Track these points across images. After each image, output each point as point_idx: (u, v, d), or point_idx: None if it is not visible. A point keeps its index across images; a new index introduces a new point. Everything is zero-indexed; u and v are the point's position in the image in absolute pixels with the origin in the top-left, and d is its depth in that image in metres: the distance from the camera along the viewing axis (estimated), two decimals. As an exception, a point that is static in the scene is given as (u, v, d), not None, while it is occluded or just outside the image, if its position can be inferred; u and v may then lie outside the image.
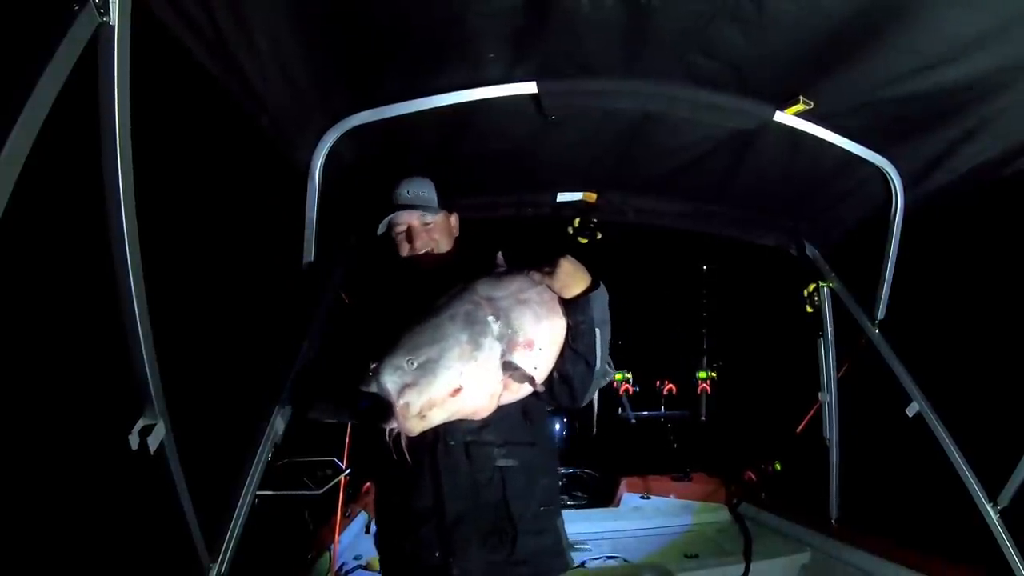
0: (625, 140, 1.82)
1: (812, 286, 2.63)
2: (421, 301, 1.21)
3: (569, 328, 1.25)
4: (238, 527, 1.58)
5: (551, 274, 1.25)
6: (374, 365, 1.07)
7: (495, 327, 1.16)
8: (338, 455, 2.34)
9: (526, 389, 1.21)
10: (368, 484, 3.02)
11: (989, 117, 1.58)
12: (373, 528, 2.87)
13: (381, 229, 1.49)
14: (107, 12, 0.89)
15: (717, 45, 1.35)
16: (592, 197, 2.22)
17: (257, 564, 1.80)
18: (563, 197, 2.21)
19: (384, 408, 1.07)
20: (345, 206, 2.04)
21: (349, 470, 2.37)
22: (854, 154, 1.82)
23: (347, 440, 2.37)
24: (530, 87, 1.52)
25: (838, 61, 1.39)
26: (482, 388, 1.13)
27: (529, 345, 1.19)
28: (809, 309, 2.66)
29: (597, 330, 1.26)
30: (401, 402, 1.05)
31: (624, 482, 3.37)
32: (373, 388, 1.06)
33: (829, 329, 2.65)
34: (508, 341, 1.17)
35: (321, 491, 2.19)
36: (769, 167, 1.95)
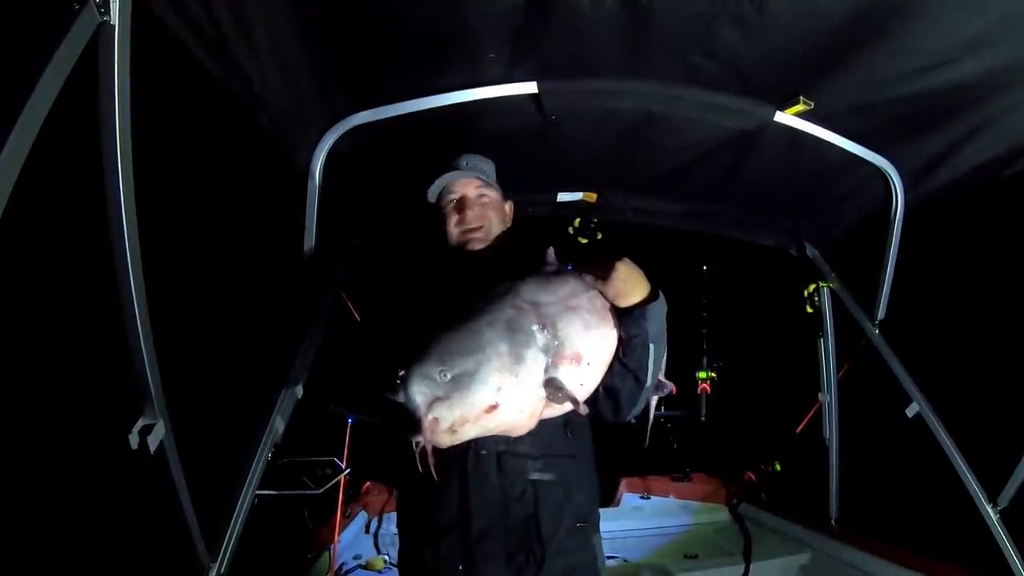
0: (625, 140, 1.82)
1: (812, 286, 2.63)
2: (463, 296, 1.10)
3: (620, 340, 1.13)
4: (238, 527, 1.58)
5: (605, 279, 1.13)
6: (403, 372, 0.97)
7: (540, 337, 1.04)
8: (338, 455, 2.35)
9: (568, 406, 1.09)
10: (368, 484, 3.02)
11: (989, 117, 1.58)
12: (373, 527, 2.88)
13: (432, 196, 1.38)
14: (107, 11, 0.89)
15: (718, 45, 1.35)
16: (592, 197, 2.22)
17: (257, 564, 1.80)
18: (563, 197, 2.21)
19: (411, 419, 0.98)
20: (346, 206, 2.04)
21: (349, 470, 2.37)
22: (854, 154, 1.82)
23: (347, 440, 2.38)
24: (531, 87, 1.52)
25: (838, 61, 1.39)
26: (521, 407, 1.02)
27: (576, 359, 1.07)
28: (809, 309, 2.66)
29: (651, 345, 1.14)
30: (430, 417, 0.96)
31: (624, 482, 3.37)
32: (400, 398, 0.97)
33: (829, 329, 2.65)
34: (554, 354, 1.05)
35: (321, 491, 2.19)
36: (769, 167, 1.95)
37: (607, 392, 1.18)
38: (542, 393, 1.04)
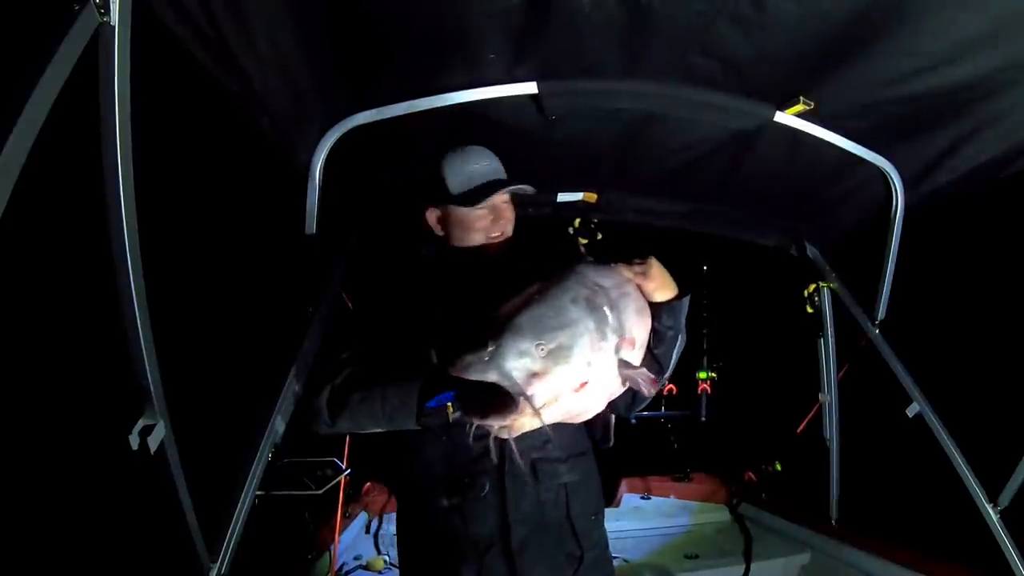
0: (626, 140, 1.82)
1: (812, 286, 2.63)
2: (493, 290, 1.07)
3: (654, 331, 1.15)
4: (238, 527, 1.58)
5: (644, 274, 1.14)
6: (492, 348, 0.90)
7: (611, 319, 1.02)
8: (338, 455, 2.35)
9: (619, 390, 1.07)
10: (368, 484, 3.02)
11: (989, 117, 1.58)
12: (373, 527, 2.88)
13: (477, 208, 1.33)
14: (107, 12, 0.89)
15: (717, 45, 1.35)
16: (592, 197, 2.22)
17: (257, 564, 1.80)
18: (563, 197, 2.21)
19: (492, 401, 0.92)
20: (345, 206, 2.04)
21: (349, 470, 2.37)
22: (854, 154, 1.82)
23: (347, 440, 2.37)
24: (531, 87, 1.52)
25: (838, 61, 1.39)
26: (605, 385, 1.01)
27: (632, 344, 1.06)
28: (809, 309, 2.66)
29: (680, 336, 1.20)
30: (529, 392, 0.89)
31: (624, 482, 3.37)
32: (492, 376, 0.89)
33: (829, 329, 2.65)
34: (618, 335, 1.03)
35: (321, 491, 2.19)
36: (769, 167, 1.95)
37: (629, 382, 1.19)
38: (617, 373, 1.02)
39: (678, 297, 1.17)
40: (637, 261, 1.15)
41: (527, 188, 1.39)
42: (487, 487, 1.21)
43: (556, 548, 1.24)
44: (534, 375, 0.90)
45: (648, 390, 1.05)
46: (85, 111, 0.93)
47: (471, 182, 1.35)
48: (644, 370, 1.04)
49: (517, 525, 1.21)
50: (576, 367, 0.93)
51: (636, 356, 1.09)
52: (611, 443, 1.43)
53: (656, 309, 1.15)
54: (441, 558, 1.25)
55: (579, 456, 1.31)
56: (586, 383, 0.95)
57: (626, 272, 1.14)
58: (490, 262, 1.37)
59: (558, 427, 1.17)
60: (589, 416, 1.06)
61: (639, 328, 1.09)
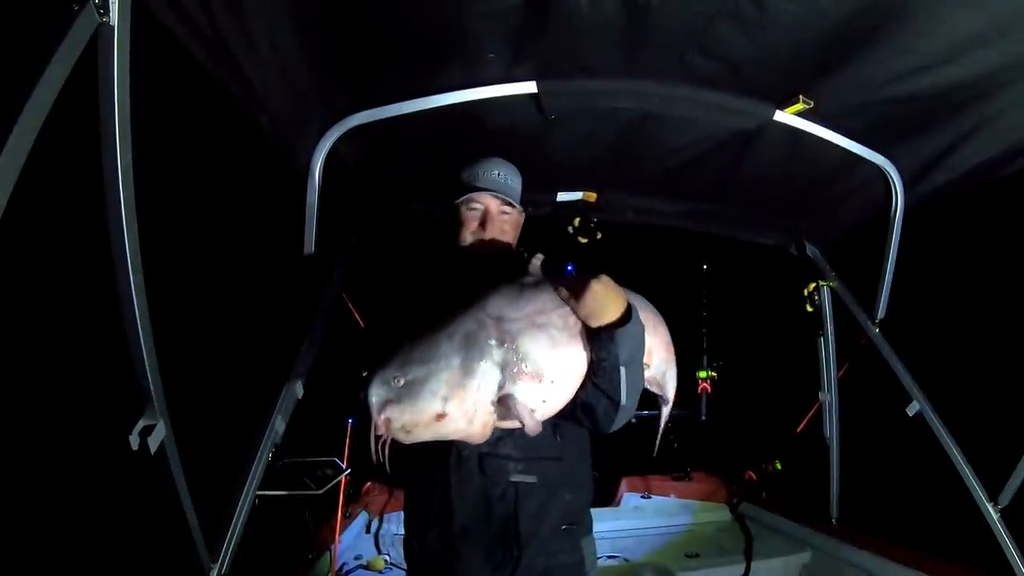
0: (625, 140, 1.82)
1: (812, 285, 2.63)
2: (445, 303, 1.14)
3: (591, 362, 1.11)
4: (239, 527, 1.58)
5: (578, 298, 1.10)
6: (366, 374, 1.07)
7: (497, 353, 1.06)
8: (338, 455, 2.35)
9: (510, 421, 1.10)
10: (369, 484, 3.02)
11: (989, 116, 1.58)
12: (374, 527, 2.88)
13: (456, 199, 1.36)
14: (107, 12, 0.90)
15: (717, 45, 1.35)
16: (592, 197, 2.22)
17: (257, 564, 1.80)
18: (563, 197, 2.21)
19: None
20: (345, 206, 2.04)
21: (349, 470, 2.37)
22: (854, 154, 1.82)
23: (347, 440, 2.38)
24: (530, 87, 1.52)
25: (838, 61, 1.39)
26: (469, 418, 1.06)
27: (537, 377, 1.07)
28: (809, 309, 2.66)
29: (622, 368, 1.10)
30: (382, 417, 1.05)
31: (625, 482, 3.37)
32: (363, 396, 1.06)
33: (829, 329, 2.65)
34: (513, 370, 1.07)
35: (321, 491, 2.19)
36: (769, 167, 1.95)
37: (584, 408, 1.16)
38: (491, 409, 1.07)
39: (612, 327, 1.08)
40: (575, 286, 1.11)
41: (492, 196, 1.35)
42: (436, 473, 1.27)
43: (496, 544, 1.25)
44: (388, 402, 1.05)
45: (527, 430, 1.08)
46: (85, 111, 0.93)
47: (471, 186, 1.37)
48: (520, 410, 1.06)
49: (459, 512, 1.25)
50: (427, 400, 1.04)
51: (547, 390, 1.09)
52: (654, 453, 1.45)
53: (590, 338, 1.11)
54: (406, 531, 1.39)
55: (545, 460, 1.26)
56: (444, 415, 1.05)
57: (563, 294, 1.12)
58: (470, 265, 1.36)
59: (521, 429, 1.17)
60: (475, 441, 1.10)
61: (552, 361, 1.09)
